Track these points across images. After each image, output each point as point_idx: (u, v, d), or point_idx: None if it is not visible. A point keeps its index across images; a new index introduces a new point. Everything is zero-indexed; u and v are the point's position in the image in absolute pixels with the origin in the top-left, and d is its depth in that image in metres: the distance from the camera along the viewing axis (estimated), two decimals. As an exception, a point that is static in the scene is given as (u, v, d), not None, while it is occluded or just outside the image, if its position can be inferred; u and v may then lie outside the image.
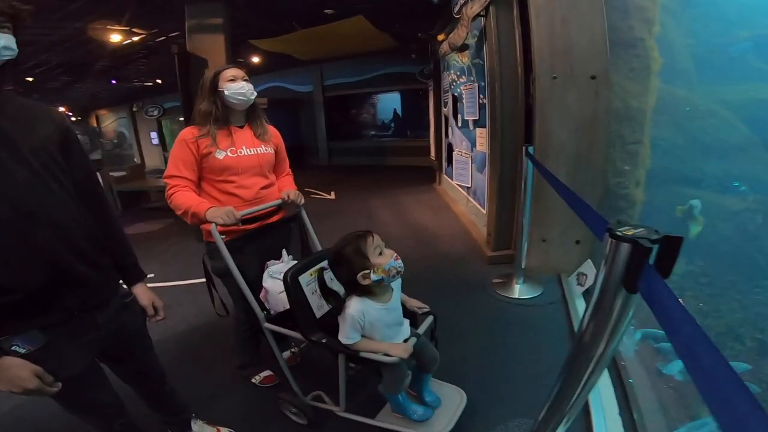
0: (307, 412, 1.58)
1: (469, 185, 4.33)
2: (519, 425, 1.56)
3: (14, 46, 0.87)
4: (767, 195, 2.82)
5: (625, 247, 0.67)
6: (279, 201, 1.67)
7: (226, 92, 1.54)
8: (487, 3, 2.88)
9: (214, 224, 1.39)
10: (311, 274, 1.40)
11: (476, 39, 3.54)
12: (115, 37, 5.74)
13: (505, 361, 2.02)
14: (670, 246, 0.65)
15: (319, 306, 1.41)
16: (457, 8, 3.47)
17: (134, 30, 5.60)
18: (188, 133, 1.54)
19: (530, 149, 2.47)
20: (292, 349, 2.02)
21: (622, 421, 1.52)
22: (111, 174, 6.77)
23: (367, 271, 1.23)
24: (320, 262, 1.46)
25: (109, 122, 16.98)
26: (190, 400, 1.84)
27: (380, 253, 1.26)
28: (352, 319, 1.26)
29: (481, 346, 2.15)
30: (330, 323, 1.35)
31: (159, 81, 10.16)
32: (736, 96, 3.17)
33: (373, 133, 10.29)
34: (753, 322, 2.28)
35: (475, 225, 4.05)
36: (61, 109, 15.98)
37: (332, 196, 6.46)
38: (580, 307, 2.44)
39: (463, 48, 3.80)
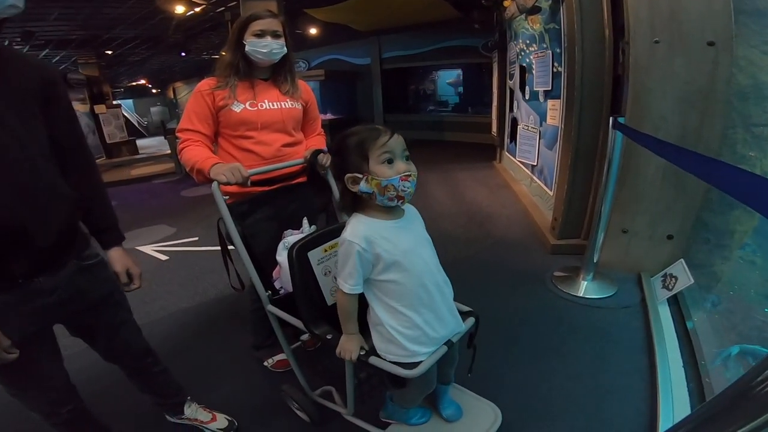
0: (310, 411, 1.37)
1: (535, 163, 3.85)
2: None
3: (21, 4, 0.82)
4: None
5: None
6: (298, 161, 1.46)
7: (247, 47, 1.39)
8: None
9: (216, 182, 1.19)
10: (325, 250, 1.15)
11: (550, 1, 3.05)
12: (179, 8, 5.87)
13: (558, 372, 1.67)
14: None
15: (333, 290, 1.16)
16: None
17: (194, 0, 5.66)
18: (204, 84, 1.42)
19: (620, 120, 1.99)
20: (303, 336, 1.82)
21: None
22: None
23: (359, 176, 0.93)
24: (340, 235, 1.21)
25: (184, 94, 18.14)
26: (196, 376, 1.75)
27: (389, 161, 0.93)
28: (351, 247, 0.93)
29: (530, 352, 1.82)
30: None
31: (224, 53, 10.44)
32: None
33: (431, 107, 9.90)
34: None
35: (538, 208, 3.60)
36: (142, 81, 17.43)
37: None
38: (663, 315, 1.99)
39: (534, 10, 3.34)
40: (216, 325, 2.23)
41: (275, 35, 1.39)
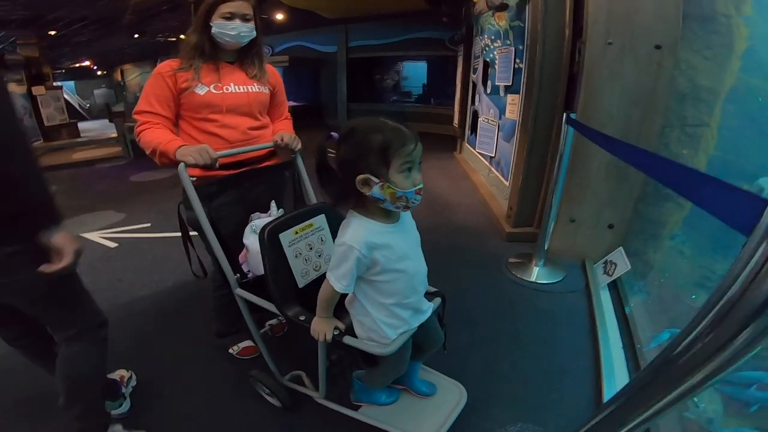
0: (281, 395, 1.38)
1: (493, 155, 4.01)
2: (521, 431, 1.35)
3: None
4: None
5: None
6: (270, 144, 1.45)
7: (214, 29, 1.34)
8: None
9: (182, 164, 1.16)
10: (296, 233, 1.16)
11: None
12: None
13: (513, 352, 1.79)
14: None
15: (303, 273, 1.18)
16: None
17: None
18: (165, 65, 1.36)
19: (572, 116, 2.14)
20: (271, 321, 1.82)
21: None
22: (126, 124, 6.69)
23: (375, 179, 0.88)
24: (311, 217, 1.22)
25: (133, 76, 17.58)
26: (158, 366, 1.70)
27: (408, 169, 0.89)
28: (351, 252, 0.91)
29: (488, 334, 1.93)
30: (315, 296, 1.11)
31: (183, 37, 9.87)
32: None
33: (395, 98, 9.97)
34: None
35: (495, 198, 3.77)
36: (86, 62, 16.13)
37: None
38: (605, 299, 2.18)
39: (502, 7, 3.44)
40: (176, 314, 2.16)
41: (245, 18, 1.36)
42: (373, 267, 0.96)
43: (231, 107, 1.40)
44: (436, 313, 1.16)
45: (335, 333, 1.02)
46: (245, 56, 1.46)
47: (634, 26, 2.19)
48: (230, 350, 1.74)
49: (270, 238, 1.09)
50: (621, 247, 2.35)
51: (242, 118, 1.44)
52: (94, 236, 3.29)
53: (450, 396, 1.29)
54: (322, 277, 1.19)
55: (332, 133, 0.92)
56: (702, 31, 2.30)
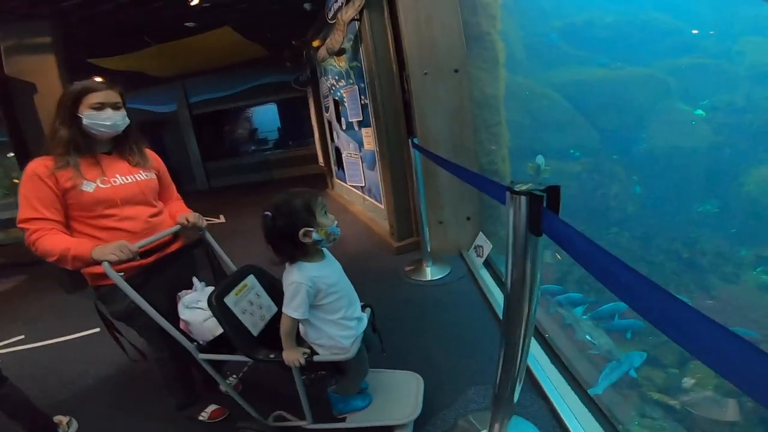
0: None
1: (363, 184, 4.48)
2: (477, 392, 1.67)
3: None
4: (596, 157, 3.59)
5: (524, 199, 0.83)
6: (177, 227, 1.54)
7: (85, 120, 1.33)
8: (361, 7, 3.03)
9: (106, 263, 1.21)
10: (236, 294, 1.33)
11: (351, 42, 3.69)
12: None
13: (436, 338, 2.16)
14: (554, 193, 0.83)
15: (253, 324, 1.34)
16: (331, 14, 3.57)
17: None
18: (40, 166, 1.29)
19: (415, 140, 2.69)
20: (230, 378, 1.86)
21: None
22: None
23: (311, 229, 1.19)
24: (242, 279, 1.39)
25: None
26: None
27: (325, 213, 1.25)
28: (301, 287, 1.19)
29: (410, 331, 2.26)
30: (270, 338, 1.29)
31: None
32: (558, 79, 3.95)
33: (253, 148, 9.86)
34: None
35: (375, 221, 4.21)
36: None
37: (222, 219, 6.04)
38: (486, 277, 2.71)
39: (340, 52, 3.92)
40: (119, 409, 1.98)
41: (116, 107, 1.37)
42: (318, 294, 1.24)
43: (125, 199, 1.40)
44: (369, 322, 1.45)
45: (306, 356, 1.23)
46: (122, 145, 1.46)
47: (438, 57, 2.80)
48: (200, 417, 1.70)
49: (219, 304, 1.24)
50: (480, 232, 2.99)
51: (140, 208, 1.46)
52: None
53: (410, 384, 1.56)
54: (270, 323, 1.38)
55: (266, 213, 1.21)
56: (478, 49, 3.08)
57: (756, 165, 3.19)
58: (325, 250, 1.35)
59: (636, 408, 1.84)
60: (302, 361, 1.23)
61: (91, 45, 4.91)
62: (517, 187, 0.83)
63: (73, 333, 2.86)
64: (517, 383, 1.12)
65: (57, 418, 1.78)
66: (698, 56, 3.54)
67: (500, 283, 2.58)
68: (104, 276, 1.31)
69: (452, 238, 3.17)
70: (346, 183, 5.24)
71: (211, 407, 1.72)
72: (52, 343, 2.81)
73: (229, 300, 1.29)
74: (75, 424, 1.81)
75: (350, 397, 1.45)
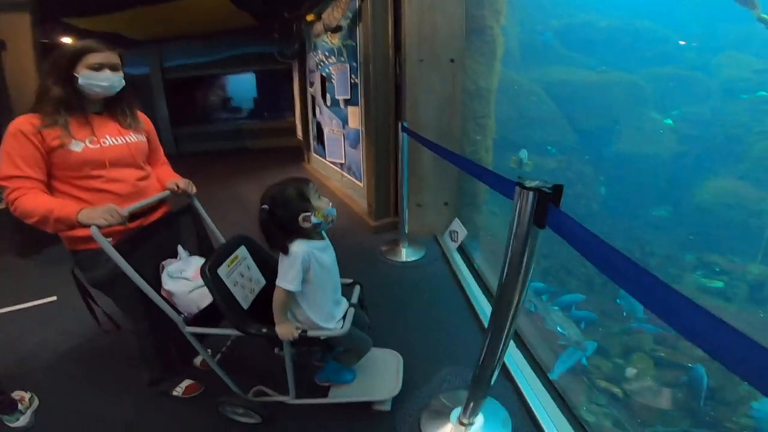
0: (257, 408, 1.48)
1: (343, 161, 4.46)
2: (450, 372, 1.75)
3: None
4: (570, 155, 3.74)
5: (531, 194, 0.87)
6: (166, 193, 1.49)
7: (81, 80, 1.28)
8: (366, -14, 2.94)
9: (95, 227, 1.16)
10: (228, 265, 1.31)
11: (349, 21, 3.60)
12: None
13: (411, 318, 2.23)
14: (557, 191, 0.88)
15: (243, 297, 1.33)
16: (334, -10, 3.44)
17: None
18: (26, 123, 1.24)
19: (405, 124, 2.70)
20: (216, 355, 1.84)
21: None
22: None
23: (308, 214, 1.23)
24: (234, 250, 1.38)
25: None
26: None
27: (319, 197, 1.28)
28: (298, 261, 1.22)
29: (386, 311, 2.31)
30: (260, 313, 1.30)
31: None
32: (546, 77, 4.04)
33: (225, 116, 9.49)
34: (580, 260, 3.04)
35: (353, 198, 4.22)
36: None
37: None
38: (459, 261, 2.80)
39: (336, 29, 3.84)
40: (87, 382, 1.88)
41: (114, 68, 1.34)
42: (309, 272, 1.26)
43: (113, 160, 1.37)
44: (358, 299, 1.48)
45: (299, 331, 1.25)
46: (114, 106, 1.42)
47: (436, 45, 2.81)
48: (173, 393, 1.67)
49: (212, 275, 1.22)
50: (456, 218, 3.07)
51: (128, 170, 1.41)
52: None
53: (390, 361, 1.63)
54: (259, 296, 1.38)
55: (264, 206, 1.23)
56: (478, 42, 3.12)
57: (711, 177, 3.43)
58: (325, 236, 1.37)
59: (586, 394, 2.00)
60: (296, 335, 1.24)
61: (66, 3, 4.51)
62: (527, 183, 0.87)
63: (28, 301, 2.68)
64: (497, 366, 1.20)
65: (17, 394, 1.68)
66: (678, 67, 3.71)
67: (473, 269, 2.69)
68: (85, 240, 1.28)
69: (429, 222, 3.24)
70: (325, 159, 5.18)
71: (186, 382, 1.70)
72: (4, 312, 2.62)
73: (222, 271, 1.27)
74: (36, 401, 1.71)
75: (343, 368, 1.51)
